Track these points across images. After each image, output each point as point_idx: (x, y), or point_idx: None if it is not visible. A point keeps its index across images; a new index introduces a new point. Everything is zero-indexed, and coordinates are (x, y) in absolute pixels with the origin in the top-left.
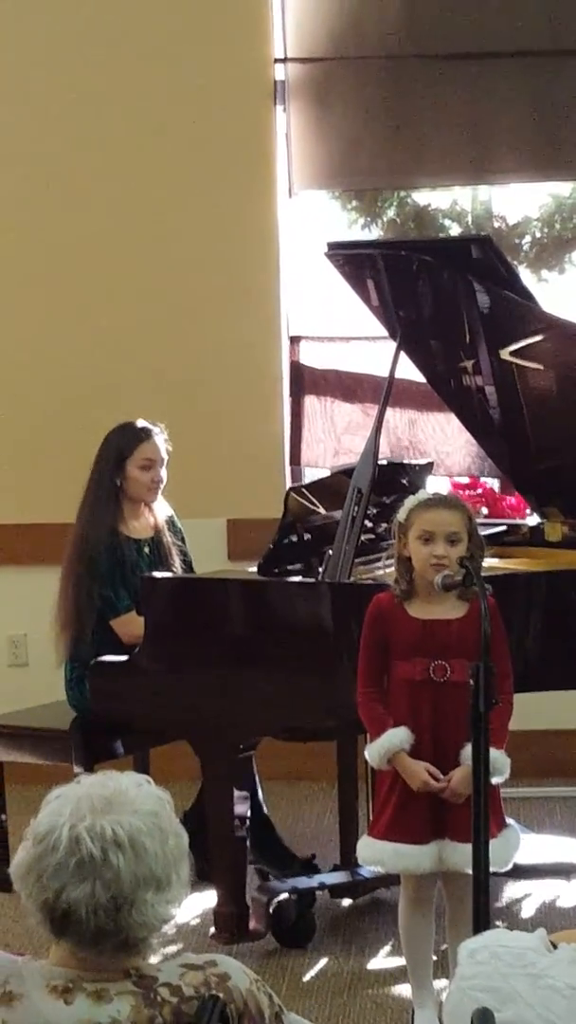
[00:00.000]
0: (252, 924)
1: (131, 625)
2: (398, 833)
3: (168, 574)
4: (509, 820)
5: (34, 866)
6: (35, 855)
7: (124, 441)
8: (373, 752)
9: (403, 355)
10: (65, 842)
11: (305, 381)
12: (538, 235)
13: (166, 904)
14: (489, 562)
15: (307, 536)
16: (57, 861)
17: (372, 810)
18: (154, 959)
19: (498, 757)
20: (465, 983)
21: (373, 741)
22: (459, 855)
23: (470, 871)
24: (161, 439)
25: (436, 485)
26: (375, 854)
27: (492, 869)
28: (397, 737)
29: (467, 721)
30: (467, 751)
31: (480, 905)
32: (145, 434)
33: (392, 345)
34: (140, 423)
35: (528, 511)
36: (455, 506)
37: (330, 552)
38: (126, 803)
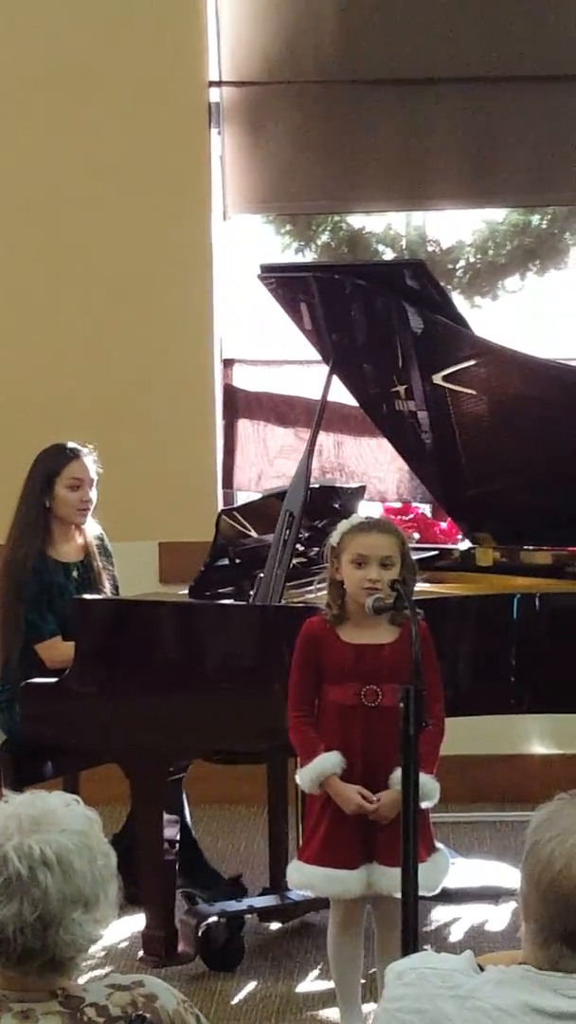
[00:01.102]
0: (181, 947)
1: (55, 650)
2: (328, 858)
3: (98, 596)
4: (438, 844)
5: None
6: None
7: (52, 461)
8: (305, 776)
9: (336, 379)
10: None
11: (238, 404)
12: (471, 260)
13: (94, 923)
14: (421, 586)
15: (239, 559)
16: None
17: (302, 834)
18: (81, 980)
19: (427, 782)
20: (392, 1005)
21: (304, 765)
22: (387, 879)
23: (398, 895)
24: (90, 460)
25: (368, 509)
26: (305, 879)
27: (421, 893)
28: (329, 761)
29: (398, 745)
30: (396, 775)
31: (409, 929)
32: (73, 454)
33: (325, 369)
34: (69, 444)
35: (460, 536)
36: (388, 530)
37: (262, 575)
38: (54, 822)
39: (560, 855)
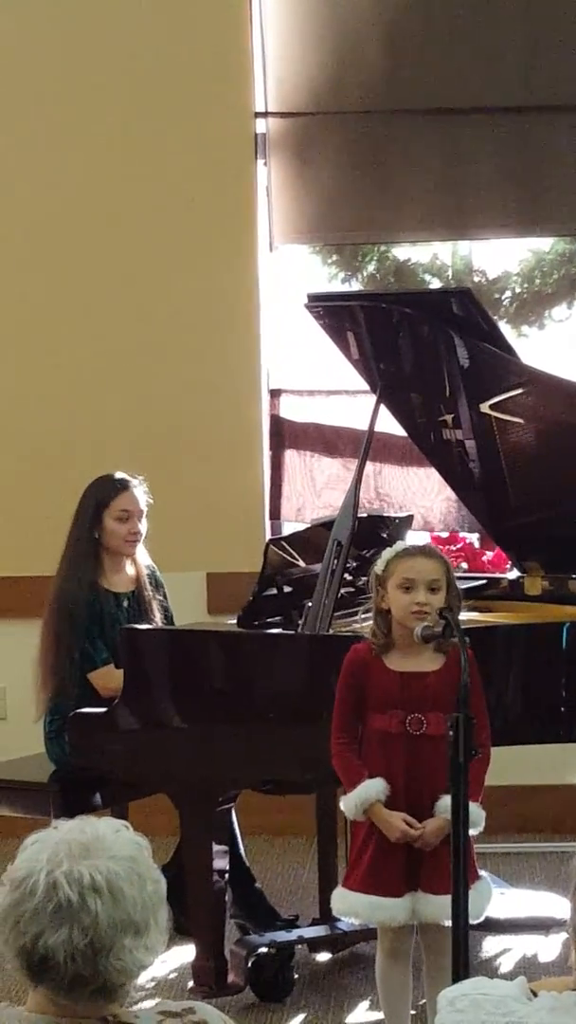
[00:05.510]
0: (231, 978)
1: (108, 679)
2: (373, 885)
3: (146, 626)
4: (481, 872)
5: (11, 912)
6: (12, 901)
7: (101, 493)
8: (349, 803)
9: (383, 408)
10: (42, 887)
11: (285, 435)
12: (518, 290)
13: (144, 950)
14: (469, 615)
15: (287, 589)
16: (34, 907)
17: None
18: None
19: (474, 810)
20: None
21: (348, 792)
22: (433, 907)
23: (444, 923)
24: (140, 491)
25: (416, 539)
26: (350, 906)
27: None
28: (374, 788)
29: (442, 774)
30: (442, 803)
31: (460, 958)
32: (122, 485)
33: (372, 399)
34: (118, 475)
35: (508, 565)
36: (434, 555)
37: (309, 605)
38: (104, 848)
39: None
